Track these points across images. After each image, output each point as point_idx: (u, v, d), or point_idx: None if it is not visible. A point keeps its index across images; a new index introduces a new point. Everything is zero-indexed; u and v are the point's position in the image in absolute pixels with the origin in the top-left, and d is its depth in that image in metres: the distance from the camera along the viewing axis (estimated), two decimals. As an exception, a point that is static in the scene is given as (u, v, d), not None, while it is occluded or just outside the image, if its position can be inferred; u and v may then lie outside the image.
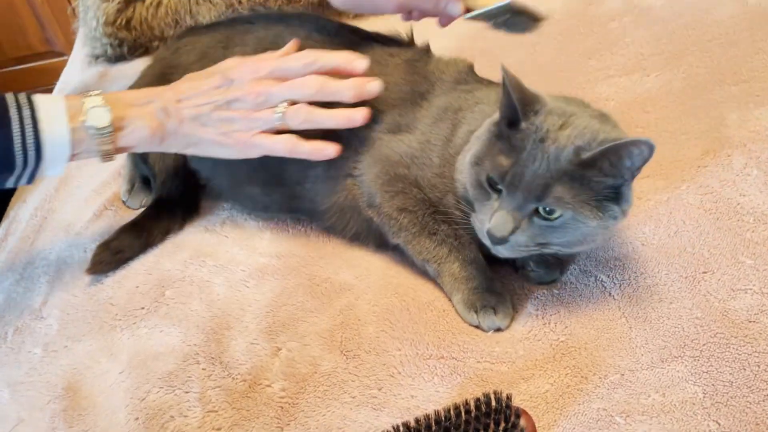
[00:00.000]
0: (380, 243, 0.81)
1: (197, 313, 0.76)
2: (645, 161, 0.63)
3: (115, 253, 0.84)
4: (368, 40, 0.88)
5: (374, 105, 0.78)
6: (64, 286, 0.83)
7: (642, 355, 0.65)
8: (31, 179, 0.73)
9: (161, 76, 0.95)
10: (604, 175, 0.63)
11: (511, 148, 0.65)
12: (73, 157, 0.73)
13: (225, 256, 0.84)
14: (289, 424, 0.64)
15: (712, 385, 0.61)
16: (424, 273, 0.78)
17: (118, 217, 0.92)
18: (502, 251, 0.67)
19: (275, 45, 0.82)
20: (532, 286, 0.75)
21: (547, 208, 0.64)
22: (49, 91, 1.25)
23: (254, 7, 1.24)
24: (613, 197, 0.65)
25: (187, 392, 0.68)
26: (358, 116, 0.75)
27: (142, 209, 0.92)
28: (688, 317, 0.68)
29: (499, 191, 0.66)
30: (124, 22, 1.24)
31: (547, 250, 0.68)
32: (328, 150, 0.76)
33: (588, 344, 0.67)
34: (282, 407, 0.66)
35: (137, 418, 0.66)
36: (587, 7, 1.20)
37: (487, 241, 0.67)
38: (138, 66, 1.24)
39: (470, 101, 0.78)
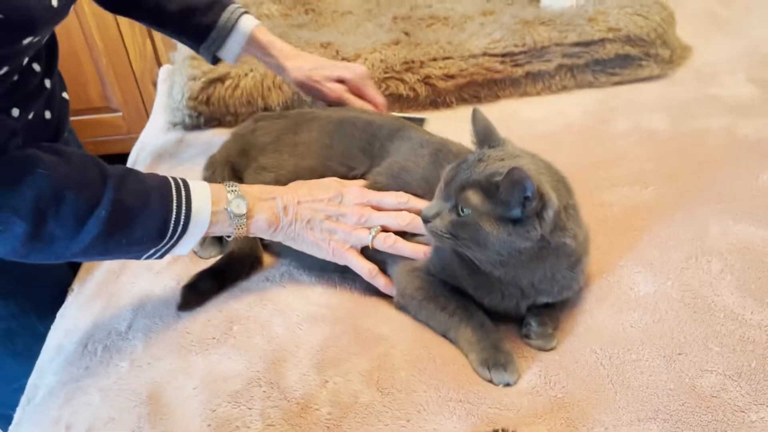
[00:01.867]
0: None
1: (259, 346, 0.92)
2: (522, 197, 0.78)
3: (199, 294, 1.00)
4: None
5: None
6: (147, 314, 1.00)
7: (623, 414, 0.80)
8: (164, 255, 0.89)
9: (242, 152, 1.16)
10: (504, 200, 0.79)
11: (459, 162, 0.85)
12: (204, 236, 0.91)
13: (283, 302, 1.00)
14: (333, 441, 0.79)
15: (678, 442, 0.76)
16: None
17: (192, 264, 1.09)
18: (429, 228, 0.85)
19: (335, 132, 1.08)
20: (537, 351, 0.91)
21: (460, 205, 0.81)
22: (103, 142, 1.42)
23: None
24: (515, 221, 0.80)
25: (250, 408, 0.83)
26: (426, 253, 0.95)
27: (213, 258, 1.09)
28: (663, 388, 0.83)
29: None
30: (205, 99, 1.45)
31: (460, 248, 0.84)
32: (393, 292, 0.97)
33: (580, 402, 0.82)
34: (328, 427, 0.80)
35: (209, 425, 0.81)
36: (600, 125, 1.41)
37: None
38: (209, 135, 1.46)
39: None
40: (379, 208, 1.00)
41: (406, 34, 1.57)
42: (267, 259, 1.10)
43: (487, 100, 1.51)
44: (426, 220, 0.85)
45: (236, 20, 1.20)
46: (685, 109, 1.42)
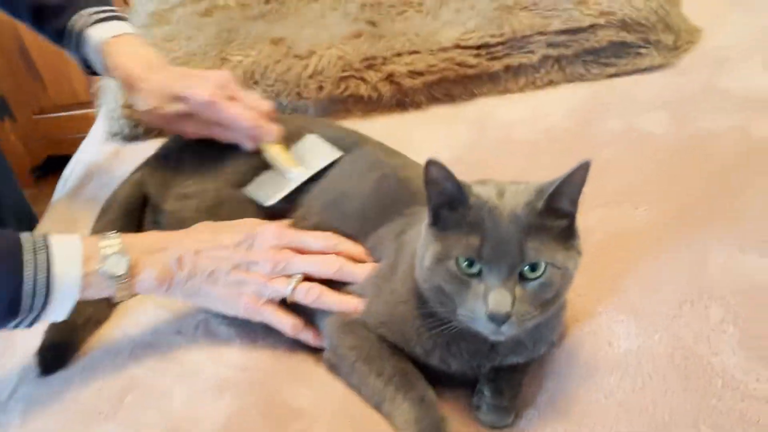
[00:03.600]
0: None
1: (151, 424, 0.77)
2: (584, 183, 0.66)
3: (58, 354, 0.86)
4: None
5: None
6: (33, 380, 0.85)
7: None
8: (32, 324, 0.75)
9: (163, 179, 1.00)
10: (559, 216, 0.67)
11: (470, 226, 0.67)
12: (79, 299, 0.75)
13: (191, 363, 0.84)
14: None
15: None
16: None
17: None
18: (507, 330, 0.66)
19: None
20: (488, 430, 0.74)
21: (531, 266, 0.65)
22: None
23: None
24: (569, 235, 0.68)
25: None
26: (358, 307, 0.79)
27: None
28: (637, 489, 0.66)
29: (475, 274, 0.66)
30: (141, 107, 1.28)
31: (547, 313, 0.69)
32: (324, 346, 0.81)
33: (531, 507, 0.66)
34: None
35: None
36: (586, 127, 1.21)
37: (488, 329, 0.67)
38: (151, 147, 1.29)
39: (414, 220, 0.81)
40: (302, 251, 0.83)
41: (372, 23, 1.38)
42: (184, 306, 0.94)
43: (462, 99, 1.33)
44: (508, 317, 0.65)
45: (86, 28, 1.01)
46: (689, 106, 1.21)
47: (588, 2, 1.28)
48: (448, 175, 0.67)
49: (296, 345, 0.85)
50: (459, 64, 1.28)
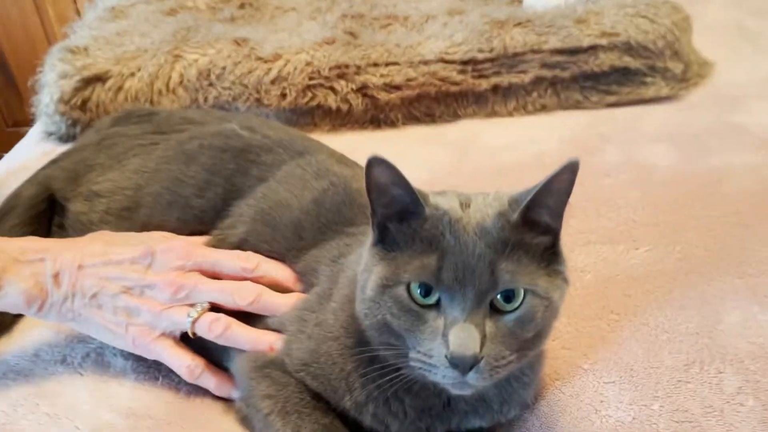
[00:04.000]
0: None
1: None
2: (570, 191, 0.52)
3: None
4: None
5: None
6: None
7: None
8: None
9: (73, 174, 0.84)
10: (539, 232, 0.53)
11: (426, 243, 0.52)
12: None
13: (67, 402, 0.67)
14: None
15: None
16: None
17: None
18: (474, 380, 0.50)
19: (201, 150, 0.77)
20: None
21: (505, 294, 0.51)
22: None
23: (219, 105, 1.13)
24: (552, 258, 0.54)
25: None
26: (274, 345, 0.64)
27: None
28: None
29: (432, 305, 0.51)
30: (79, 102, 1.14)
31: (525, 359, 0.54)
32: (234, 393, 0.66)
33: None
34: None
35: None
36: (581, 156, 1.04)
37: (448, 377, 0.50)
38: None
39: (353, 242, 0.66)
40: (214, 275, 0.67)
41: (351, 34, 1.24)
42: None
43: (444, 120, 1.18)
44: (476, 361, 0.50)
45: None
46: (698, 141, 1.07)
47: (589, 21, 1.15)
48: (398, 178, 0.52)
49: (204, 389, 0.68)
50: (442, 80, 1.14)
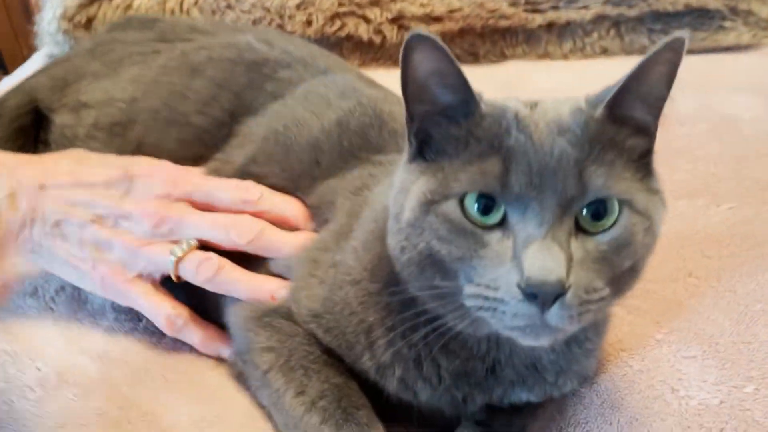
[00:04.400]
0: None
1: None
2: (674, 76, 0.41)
3: None
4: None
5: None
6: None
7: None
8: None
9: (61, 82, 0.74)
10: (634, 131, 0.42)
11: (484, 145, 0.41)
12: None
13: (34, 339, 0.58)
14: None
15: None
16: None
17: None
18: (557, 319, 0.38)
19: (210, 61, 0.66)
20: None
21: (594, 209, 0.40)
22: None
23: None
24: (648, 169, 0.43)
25: None
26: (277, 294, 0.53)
27: None
28: None
29: (496, 224, 0.40)
30: (84, 20, 1.04)
31: (618, 298, 0.42)
32: (224, 351, 0.55)
33: None
34: None
35: None
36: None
37: (520, 317, 0.38)
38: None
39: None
40: (207, 208, 0.56)
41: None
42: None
43: (489, 60, 1.08)
44: (563, 291, 0.37)
45: None
46: (788, 93, 0.93)
47: (664, -49, 1.01)
48: (448, 64, 0.40)
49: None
50: (490, 12, 1.04)
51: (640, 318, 0.59)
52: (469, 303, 0.39)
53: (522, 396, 0.49)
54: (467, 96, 0.41)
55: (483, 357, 0.46)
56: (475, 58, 1.05)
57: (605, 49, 1.05)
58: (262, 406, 0.52)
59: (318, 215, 0.57)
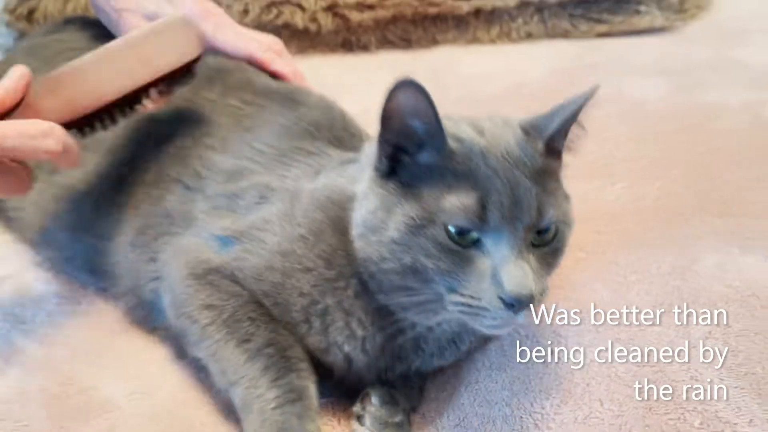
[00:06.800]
0: (182, 352, 0.59)
1: None
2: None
3: None
4: None
5: None
6: None
7: None
8: None
9: None
10: (556, 158, 0.52)
11: (456, 177, 0.48)
12: None
13: None
14: None
15: None
16: (230, 405, 0.54)
17: None
18: (524, 318, 0.48)
19: None
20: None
21: (545, 227, 0.49)
22: None
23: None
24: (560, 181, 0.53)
25: None
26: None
27: None
28: None
29: (472, 241, 0.47)
30: (26, 12, 1.06)
31: None
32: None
33: None
34: None
35: None
36: (566, 86, 0.96)
37: (499, 320, 0.47)
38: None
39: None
40: None
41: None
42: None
43: (420, 45, 1.12)
44: (530, 300, 0.46)
45: None
46: (693, 76, 1.01)
47: (582, -60, 1.06)
48: (428, 109, 0.46)
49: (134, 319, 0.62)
50: (420, 0, 1.05)
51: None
52: (452, 308, 0.48)
53: (435, 364, 0.56)
54: (440, 134, 0.47)
55: (416, 337, 0.54)
56: (407, 44, 1.10)
57: (529, 34, 1.10)
58: (199, 361, 0.55)
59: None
